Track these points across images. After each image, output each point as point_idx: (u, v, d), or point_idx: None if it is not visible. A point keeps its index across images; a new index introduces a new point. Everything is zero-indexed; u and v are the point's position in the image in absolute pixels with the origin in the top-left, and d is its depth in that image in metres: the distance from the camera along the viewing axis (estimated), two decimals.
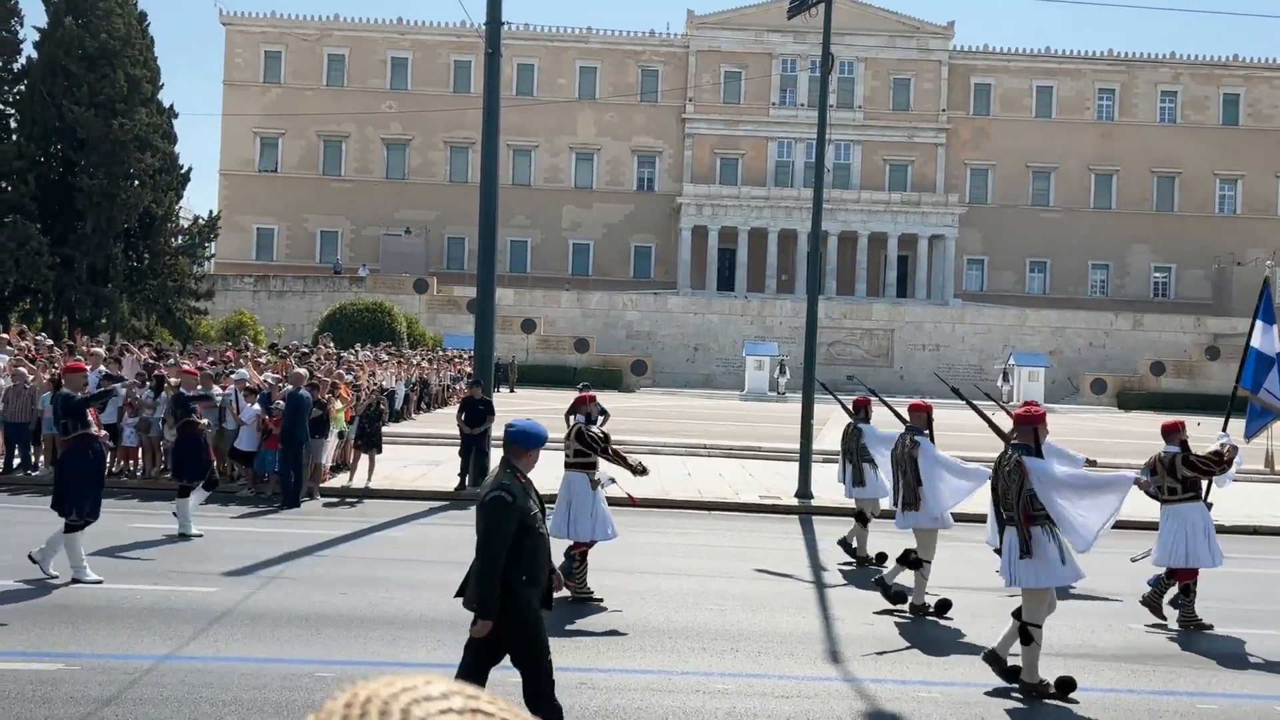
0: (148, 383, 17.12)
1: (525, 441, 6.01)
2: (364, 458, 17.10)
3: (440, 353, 39.83)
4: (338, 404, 17.07)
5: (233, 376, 17.10)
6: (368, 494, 16.46)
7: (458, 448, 17.36)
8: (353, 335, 38.80)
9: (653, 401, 41.93)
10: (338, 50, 69.24)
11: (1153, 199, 70.65)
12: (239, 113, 67.77)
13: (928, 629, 9.67)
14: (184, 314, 40.21)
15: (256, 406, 16.17)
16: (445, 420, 25.42)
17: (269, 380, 17.27)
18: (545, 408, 30.60)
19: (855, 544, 12.52)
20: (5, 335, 23.07)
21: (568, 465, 10.75)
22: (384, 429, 18.20)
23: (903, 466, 10.35)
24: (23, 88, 37.94)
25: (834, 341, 55.05)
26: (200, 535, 12.41)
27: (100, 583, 9.90)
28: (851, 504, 13.20)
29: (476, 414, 16.90)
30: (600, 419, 17.20)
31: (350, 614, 9.26)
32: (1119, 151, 70.18)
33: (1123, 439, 29.94)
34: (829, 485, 18.40)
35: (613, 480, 10.87)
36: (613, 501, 10.99)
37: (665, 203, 68.75)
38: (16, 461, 16.93)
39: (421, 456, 20.71)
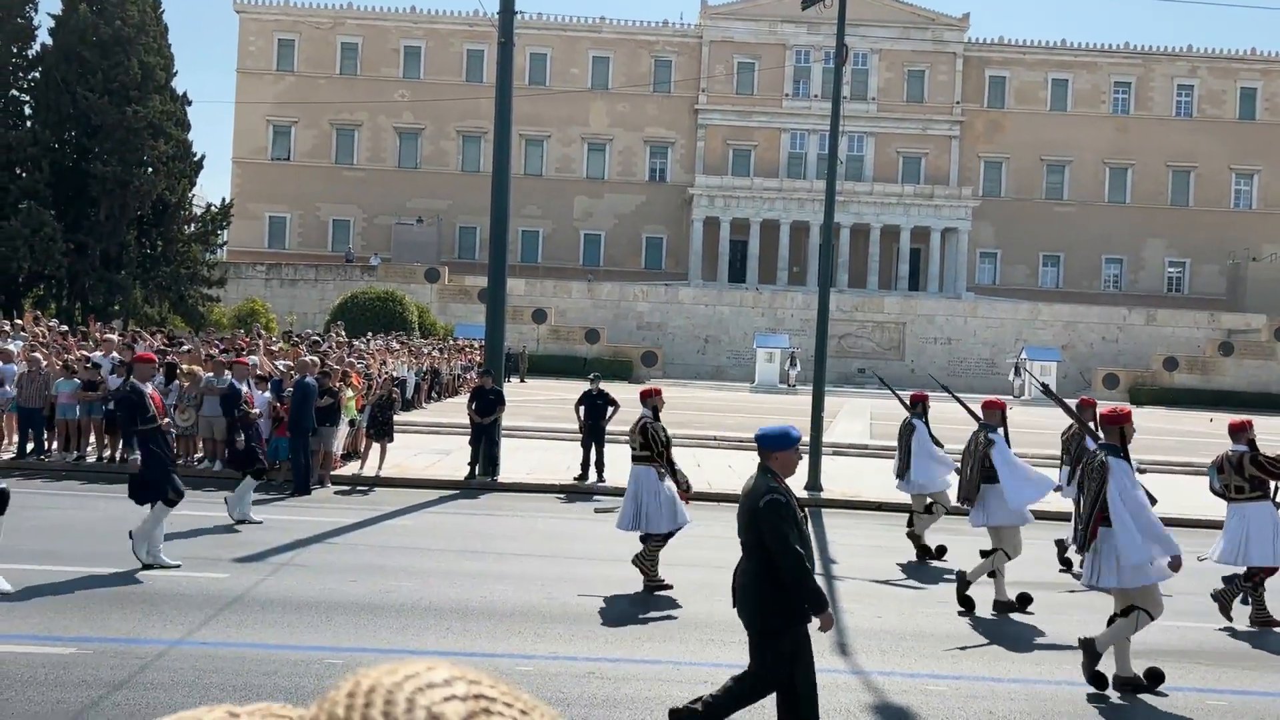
0: (160, 370, 17.18)
1: (775, 444, 5.93)
2: (375, 446, 17.15)
3: (451, 342, 39.90)
4: (349, 392, 17.12)
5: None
6: (378, 482, 16.52)
7: (468, 437, 17.41)
8: (364, 324, 38.90)
9: (663, 393, 41.85)
10: (351, 39, 69.26)
11: (1168, 193, 70.24)
12: (252, 101, 67.88)
13: (938, 624, 9.65)
14: (196, 301, 40.37)
15: (268, 394, 16.23)
16: (456, 409, 25.49)
17: (280, 368, 17.32)
18: (555, 398, 30.66)
19: (919, 532, 12.60)
20: (19, 321, 23.21)
21: (635, 459, 10.69)
22: (395, 418, 18.25)
23: (972, 463, 10.25)
24: (37, 74, 38.08)
25: (845, 334, 54.96)
26: (260, 522, 12.59)
27: (178, 567, 10.07)
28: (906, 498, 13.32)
29: (487, 403, 16.93)
30: (610, 410, 17.28)
31: (360, 601, 9.30)
32: (1134, 145, 69.77)
33: (1140, 434, 29.77)
34: (839, 478, 18.40)
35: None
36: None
37: (677, 194, 68.64)
38: (30, 446, 17.03)
39: (432, 445, 20.76)
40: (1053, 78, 70.26)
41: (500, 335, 18.13)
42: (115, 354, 17.83)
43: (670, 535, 10.42)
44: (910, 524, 12.80)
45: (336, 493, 15.77)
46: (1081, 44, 70.74)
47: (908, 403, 13.02)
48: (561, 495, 16.46)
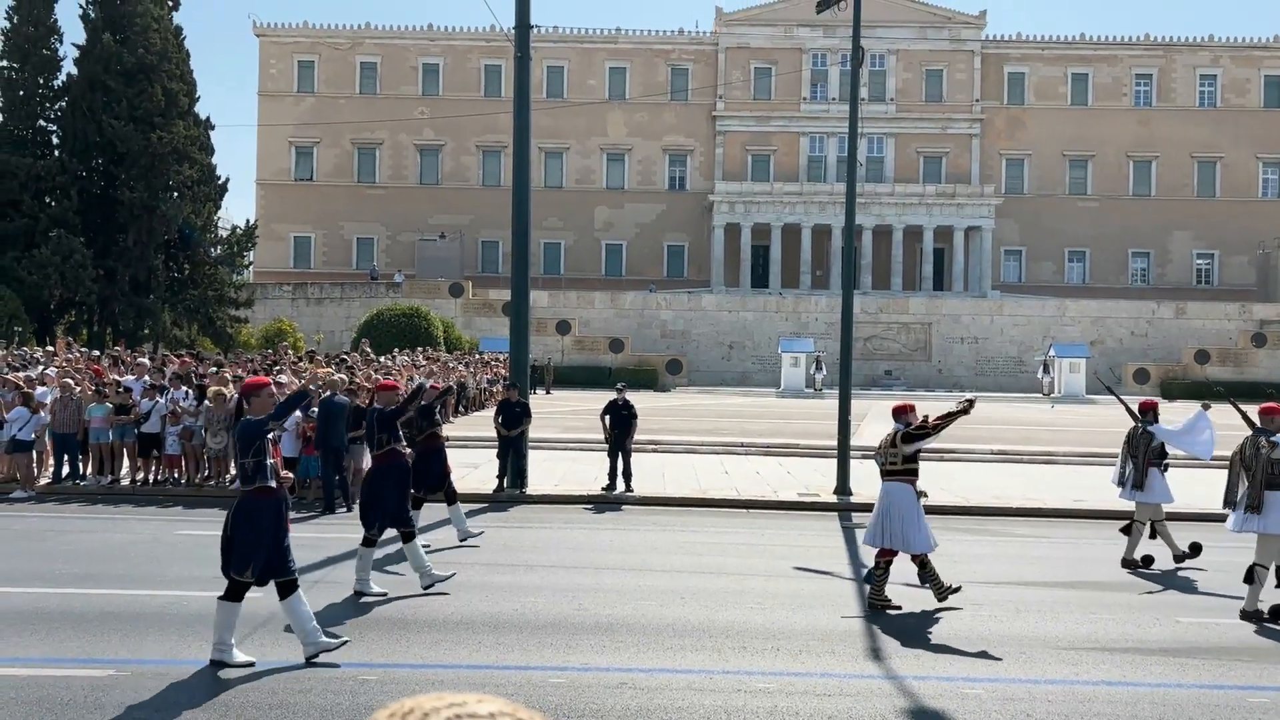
0: (189, 390, 17.36)
1: None
2: None
3: (477, 356, 40.05)
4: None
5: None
6: None
7: (495, 450, 17.47)
8: (390, 341, 39.13)
9: (689, 400, 41.88)
10: (370, 58, 69.85)
11: (1193, 185, 69.49)
12: (274, 123, 68.58)
13: (972, 627, 9.56)
14: (224, 323, 40.79)
15: (297, 412, 16.32)
16: (483, 423, 25.57)
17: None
18: (581, 409, 30.69)
19: (1133, 549, 12.39)
20: (50, 348, 23.53)
21: (886, 474, 10.23)
22: None
23: (1252, 469, 10.08)
24: (64, 104, 38.68)
25: (870, 336, 54.69)
26: (481, 532, 13.19)
27: (385, 595, 10.00)
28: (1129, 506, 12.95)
29: (513, 416, 16.99)
30: (632, 422, 17.28)
31: (392, 616, 9.35)
32: (1158, 137, 69.11)
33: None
34: (867, 481, 18.30)
35: (924, 494, 10.76)
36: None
37: (697, 201, 68.67)
38: (65, 471, 17.25)
39: (459, 459, 20.78)
40: (1072, 72, 69.74)
41: (525, 348, 18.20)
42: (146, 377, 18.04)
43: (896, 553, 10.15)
44: (1150, 531, 12.36)
45: None
46: (1100, 37, 70.21)
47: (1136, 410, 12.75)
48: (590, 506, 16.47)
